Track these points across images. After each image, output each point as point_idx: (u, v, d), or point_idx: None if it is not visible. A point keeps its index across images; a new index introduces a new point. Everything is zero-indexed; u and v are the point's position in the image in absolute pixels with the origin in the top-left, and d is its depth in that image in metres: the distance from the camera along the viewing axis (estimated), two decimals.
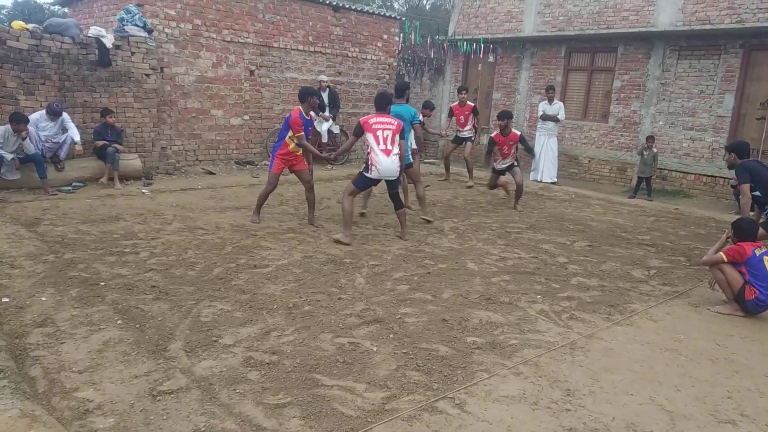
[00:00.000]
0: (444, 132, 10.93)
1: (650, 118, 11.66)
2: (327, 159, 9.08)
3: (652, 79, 11.57)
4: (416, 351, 3.51)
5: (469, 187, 10.05)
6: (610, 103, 12.36)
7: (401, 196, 6.69)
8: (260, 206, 6.63)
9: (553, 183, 11.32)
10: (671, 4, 11.19)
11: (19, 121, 7.12)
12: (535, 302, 4.52)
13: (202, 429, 2.57)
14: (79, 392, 2.84)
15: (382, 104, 6.09)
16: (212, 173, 9.81)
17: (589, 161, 12.75)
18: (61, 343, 3.36)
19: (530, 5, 13.58)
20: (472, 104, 10.51)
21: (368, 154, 5.92)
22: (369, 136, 5.87)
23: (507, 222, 7.44)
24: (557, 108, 11.41)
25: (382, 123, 5.91)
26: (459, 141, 10.47)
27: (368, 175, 5.92)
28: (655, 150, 10.54)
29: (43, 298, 3.97)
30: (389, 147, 5.86)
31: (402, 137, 6.03)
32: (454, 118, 10.44)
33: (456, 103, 10.49)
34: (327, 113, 11.27)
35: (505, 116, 8.34)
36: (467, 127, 10.34)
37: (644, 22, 11.61)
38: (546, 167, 11.49)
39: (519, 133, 8.47)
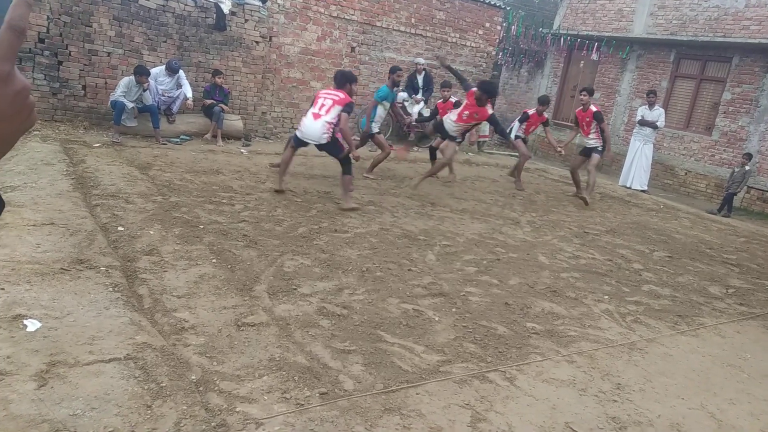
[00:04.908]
0: (560, 150, 8.92)
1: (759, 135, 10.99)
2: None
3: (767, 94, 10.88)
4: (475, 326, 3.71)
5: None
6: (716, 116, 11.74)
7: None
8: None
9: (643, 191, 10.98)
10: None
11: (142, 73, 7.83)
12: (602, 302, 4.57)
13: (277, 359, 2.92)
14: (177, 313, 3.27)
15: (340, 81, 6.39)
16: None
17: (686, 174, 12.21)
18: (164, 271, 3.83)
19: (643, 5, 13.06)
20: (595, 108, 8.60)
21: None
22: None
23: (586, 223, 7.40)
24: (657, 114, 10.99)
25: (328, 93, 6.28)
26: (587, 153, 8.73)
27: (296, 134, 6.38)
28: (747, 168, 9.99)
29: (151, 232, 4.49)
30: (321, 112, 6.13)
31: (347, 111, 6.14)
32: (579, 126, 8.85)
33: (579, 108, 8.80)
34: (420, 96, 11.48)
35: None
36: (591, 135, 8.69)
37: (767, 34, 10.90)
38: (637, 174, 11.14)
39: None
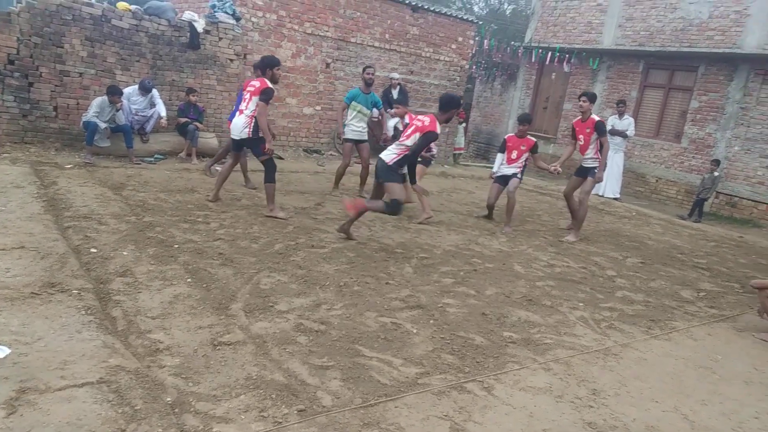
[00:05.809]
0: (556, 168, 7.10)
1: (725, 142, 11.30)
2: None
3: (732, 102, 11.21)
4: (453, 338, 3.73)
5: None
6: (685, 124, 12.05)
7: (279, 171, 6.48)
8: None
9: (615, 198, 11.18)
10: (761, 26, 10.80)
11: (114, 93, 7.77)
12: (577, 309, 4.64)
13: (254, 377, 2.90)
14: (151, 334, 3.24)
15: (261, 68, 6.26)
16: (281, 158, 10.30)
17: (657, 181, 12.47)
18: (139, 292, 3.79)
19: (612, 17, 13.40)
20: (597, 118, 6.94)
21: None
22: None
23: (561, 232, 7.49)
24: (627, 123, 11.24)
25: (250, 87, 6.08)
26: (584, 173, 7.06)
27: None
28: (716, 174, 10.28)
29: (125, 253, 4.44)
30: (243, 107, 6.06)
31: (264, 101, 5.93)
32: (576, 141, 7.16)
33: (578, 118, 7.15)
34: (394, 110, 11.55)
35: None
36: (588, 153, 6.98)
37: (730, 43, 11.26)
38: (609, 182, 11.33)
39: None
